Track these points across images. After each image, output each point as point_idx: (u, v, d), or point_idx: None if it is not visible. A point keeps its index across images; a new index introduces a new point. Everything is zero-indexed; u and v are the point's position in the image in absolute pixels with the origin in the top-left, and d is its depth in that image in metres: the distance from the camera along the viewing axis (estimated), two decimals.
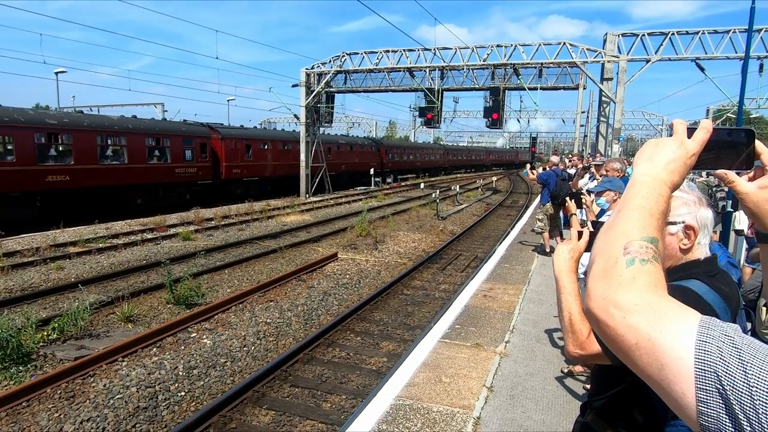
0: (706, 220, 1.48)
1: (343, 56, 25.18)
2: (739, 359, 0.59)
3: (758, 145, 0.86)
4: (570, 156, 11.51)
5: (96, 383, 5.42)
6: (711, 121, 0.84)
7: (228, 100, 47.18)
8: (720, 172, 0.89)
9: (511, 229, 14.59)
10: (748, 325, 1.91)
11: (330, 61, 25.57)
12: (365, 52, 24.67)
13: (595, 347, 1.41)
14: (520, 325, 6.06)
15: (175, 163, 21.56)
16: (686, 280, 1.39)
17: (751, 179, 0.91)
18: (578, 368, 4.59)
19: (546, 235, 9.92)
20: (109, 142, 19.10)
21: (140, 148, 19.97)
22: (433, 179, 44.04)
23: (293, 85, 26.45)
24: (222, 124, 27.08)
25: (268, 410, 5.13)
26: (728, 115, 35.83)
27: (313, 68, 25.98)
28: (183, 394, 5.47)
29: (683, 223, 1.46)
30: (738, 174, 0.90)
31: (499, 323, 6.10)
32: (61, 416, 4.78)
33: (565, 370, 4.75)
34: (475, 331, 5.79)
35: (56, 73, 32.17)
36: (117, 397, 5.17)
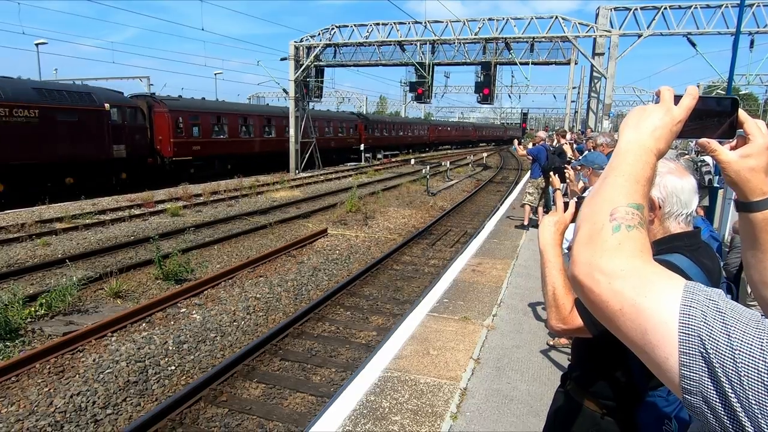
0: (678, 190, 1.41)
1: (333, 29, 24.70)
2: (723, 323, 0.59)
3: (741, 114, 0.86)
4: (555, 132, 11.55)
5: (85, 358, 5.43)
6: (697, 88, 0.83)
7: (215, 74, 46.31)
8: (703, 140, 0.88)
9: (501, 205, 14.66)
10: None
11: (319, 34, 25.08)
12: (355, 25, 24.21)
13: (577, 321, 1.42)
14: (508, 299, 6.14)
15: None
16: (669, 254, 1.39)
17: (733, 148, 0.91)
18: (563, 341, 4.68)
19: (527, 208, 10.02)
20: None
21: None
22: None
23: (282, 59, 25.96)
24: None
25: (258, 383, 5.19)
26: (718, 91, 35.91)
27: (302, 41, 25.47)
28: (173, 368, 5.50)
29: None
30: (720, 143, 0.89)
31: (487, 297, 6.17)
32: (51, 391, 4.80)
33: (551, 343, 4.85)
34: (464, 305, 5.86)
35: (37, 45, 31.24)
36: (107, 371, 5.18)
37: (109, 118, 18.42)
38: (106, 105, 18.38)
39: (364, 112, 47.93)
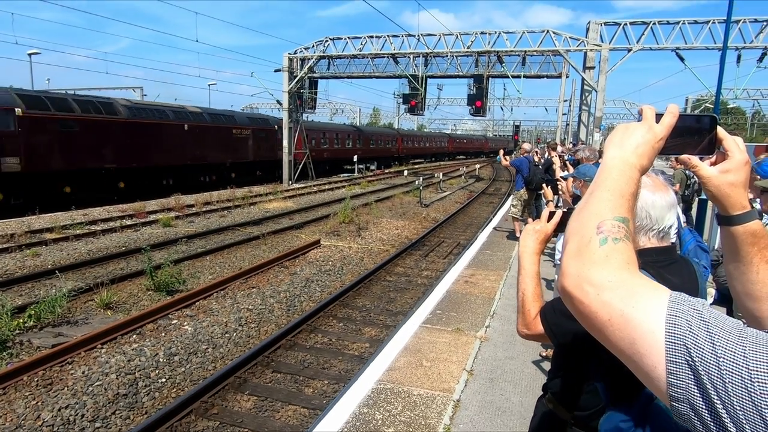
0: (649, 205, 1.40)
1: (327, 41, 24.89)
2: (708, 332, 0.61)
3: (720, 131, 0.89)
4: (547, 144, 11.72)
5: (74, 370, 5.36)
6: (677, 106, 0.86)
7: (209, 85, 46.49)
8: (684, 157, 0.92)
9: (493, 217, 14.73)
10: None
11: (313, 46, 25.25)
12: (349, 38, 24.42)
13: (539, 328, 1.47)
14: (501, 311, 6.15)
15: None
16: None
17: (713, 164, 0.94)
18: None
19: (515, 220, 10.12)
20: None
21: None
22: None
23: (276, 70, 26.09)
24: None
25: (250, 396, 5.14)
26: (706, 105, 36.47)
27: (296, 53, 25.63)
28: (164, 380, 5.45)
29: None
30: (701, 159, 0.93)
31: (480, 308, 6.18)
32: (39, 404, 4.73)
33: (543, 354, 4.85)
34: (457, 317, 5.87)
35: (29, 55, 31.19)
36: (96, 384, 5.12)
37: (276, 134, 28.81)
38: (276, 126, 28.98)
39: (358, 124, 50.22)
